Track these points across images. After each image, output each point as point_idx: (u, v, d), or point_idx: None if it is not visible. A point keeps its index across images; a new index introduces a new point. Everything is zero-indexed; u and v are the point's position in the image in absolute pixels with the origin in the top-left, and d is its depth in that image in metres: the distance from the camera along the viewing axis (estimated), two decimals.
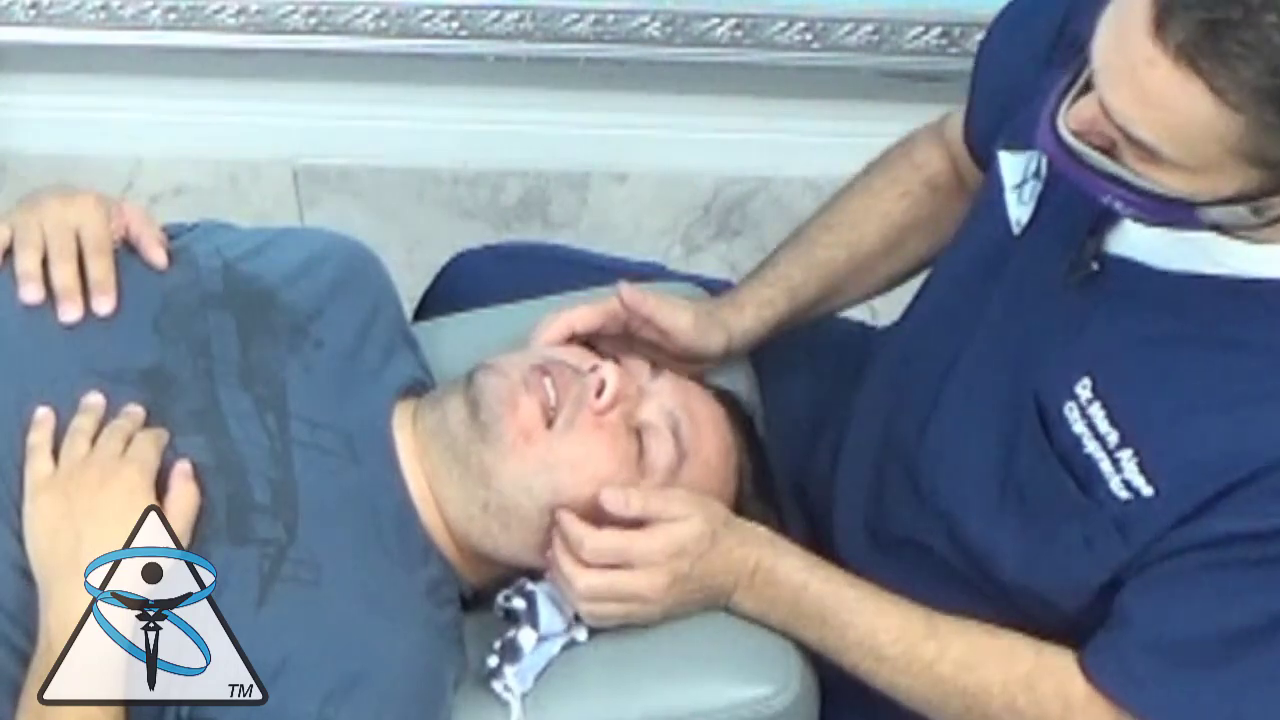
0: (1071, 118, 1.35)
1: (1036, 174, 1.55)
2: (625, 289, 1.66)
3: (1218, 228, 1.36)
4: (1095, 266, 1.47)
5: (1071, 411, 1.46)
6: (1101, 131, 1.33)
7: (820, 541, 1.69)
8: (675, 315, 1.67)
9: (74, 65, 2.55)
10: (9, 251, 1.56)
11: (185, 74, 2.55)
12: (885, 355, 1.72)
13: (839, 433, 1.73)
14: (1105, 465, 1.44)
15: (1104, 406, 1.44)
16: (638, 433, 1.57)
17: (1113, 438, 1.43)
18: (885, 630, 1.52)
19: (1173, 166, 1.31)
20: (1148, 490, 1.42)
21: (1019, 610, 1.52)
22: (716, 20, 2.45)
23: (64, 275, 1.54)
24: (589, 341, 1.67)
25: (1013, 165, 1.57)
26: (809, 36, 2.45)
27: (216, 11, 2.46)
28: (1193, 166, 1.30)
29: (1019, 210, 1.56)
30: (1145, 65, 1.26)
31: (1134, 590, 1.45)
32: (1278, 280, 1.40)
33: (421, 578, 1.55)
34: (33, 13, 2.47)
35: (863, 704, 1.59)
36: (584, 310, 1.67)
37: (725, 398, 1.68)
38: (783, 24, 2.45)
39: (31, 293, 1.54)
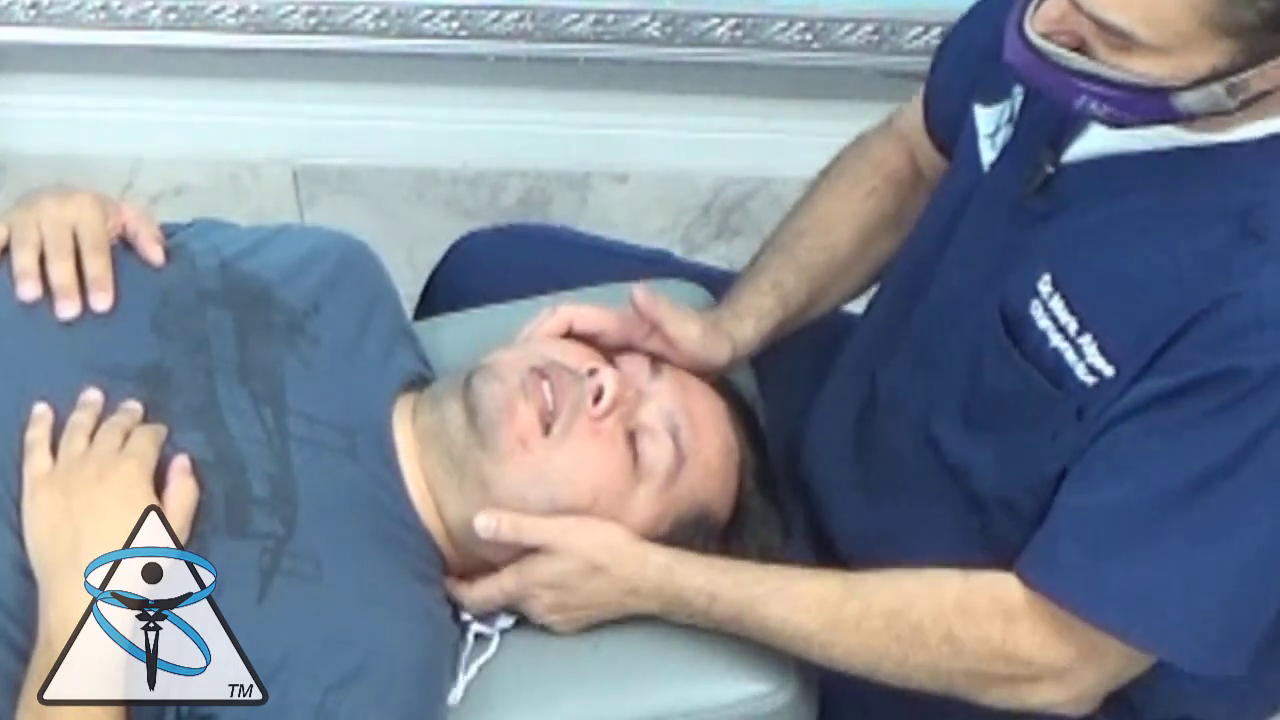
0: (1038, 20, 1.36)
1: (1010, 120, 1.56)
2: (639, 293, 1.64)
3: (1193, 117, 1.36)
4: (1050, 170, 1.49)
5: (1036, 309, 1.47)
6: (1070, 30, 1.34)
7: (815, 517, 1.70)
8: (684, 325, 1.65)
9: (74, 65, 2.55)
10: (6, 250, 1.56)
11: (185, 74, 2.56)
12: (871, 309, 1.74)
13: (822, 389, 1.74)
14: (1070, 355, 1.45)
15: (1063, 297, 1.45)
16: (635, 436, 1.57)
17: (1073, 325, 1.44)
18: (803, 610, 1.51)
19: (1146, 51, 1.31)
20: (1109, 370, 1.43)
21: (997, 540, 1.52)
22: (716, 20, 2.45)
23: (61, 272, 1.54)
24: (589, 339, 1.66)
25: (987, 116, 1.59)
26: (809, 36, 2.45)
27: (216, 11, 2.47)
28: (1166, 47, 1.30)
29: (991, 155, 1.57)
30: None
31: (1065, 483, 1.45)
32: (1226, 143, 1.40)
33: (420, 571, 1.55)
34: (33, 13, 2.48)
35: (863, 701, 1.58)
36: (587, 310, 1.66)
37: (727, 391, 1.68)
38: (783, 24, 2.45)
39: (29, 290, 1.54)
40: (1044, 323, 1.46)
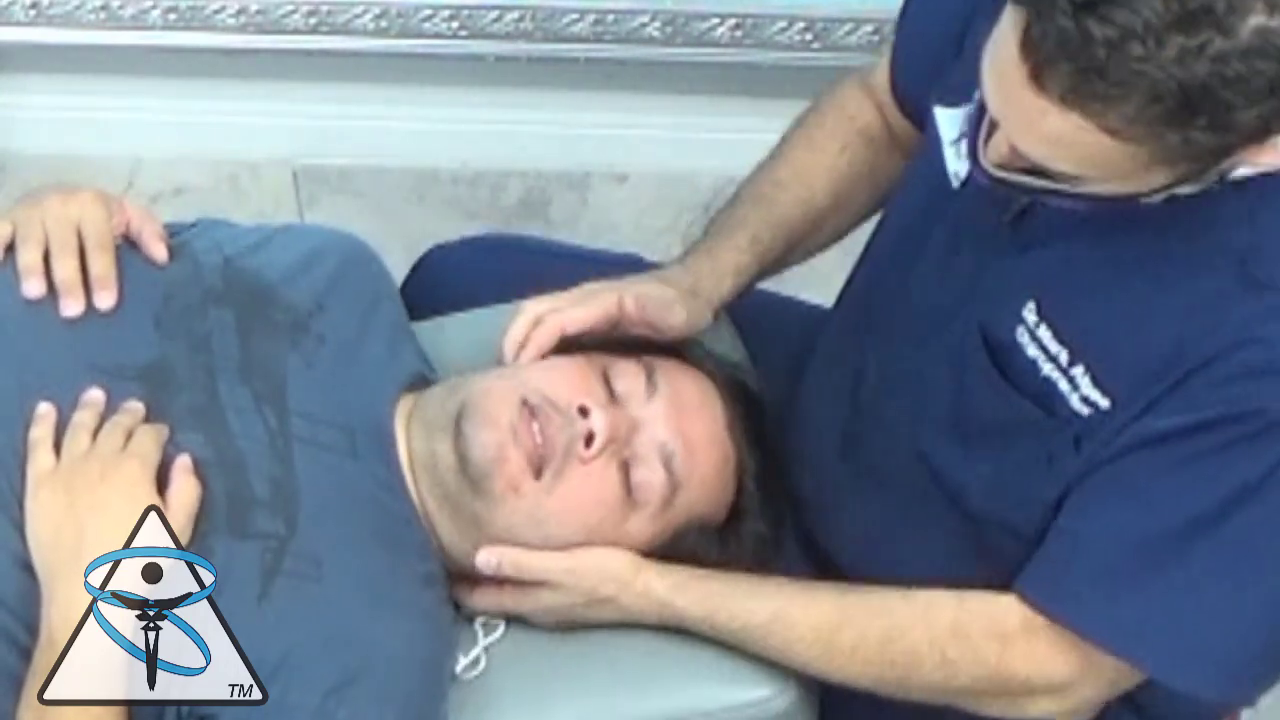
0: (990, 154, 1.36)
1: None
2: (628, 300, 1.63)
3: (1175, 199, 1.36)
4: (1027, 200, 1.46)
5: (1023, 337, 1.46)
6: (1023, 158, 1.33)
7: (807, 527, 1.70)
8: (671, 313, 1.65)
9: (74, 65, 2.55)
10: (10, 247, 1.56)
11: (185, 74, 2.56)
12: (845, 305, 1.74)
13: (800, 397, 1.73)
14: (1063, 385, 1.44)
15: (1050, 327, 1.45)
16: (629, 466, 1.55)
17: (1064, 356, 1.44)
18: (799, 640, 1.52)
19: (1102, 180, 1.31)
20: (1105, 402, 1.42)
21: (991, 549, 1.52)
22: (716, 20, 2.46)
23: (66, 270, 1.54)
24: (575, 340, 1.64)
25: (949, 120, 1.56)
26: (809, 36, 2.46)
27: (216, 11, 2.47)
28: (1121, 176, 1.30)
29: (957, 164, 1.55)
30: (1039, 115, 1.26)
31: (1068, 505, 1.46)
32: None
33: (419, 571, 1.55)
34: (33, 13, 2.48)
35: (866, 706, 1.58)
36: (573, 313, 1.63)
37: (727, 389, 1.65)
38: (783, 24, 2.46)
39: (33, 287, 1.54)
40: (1033, 351, 1.46)
